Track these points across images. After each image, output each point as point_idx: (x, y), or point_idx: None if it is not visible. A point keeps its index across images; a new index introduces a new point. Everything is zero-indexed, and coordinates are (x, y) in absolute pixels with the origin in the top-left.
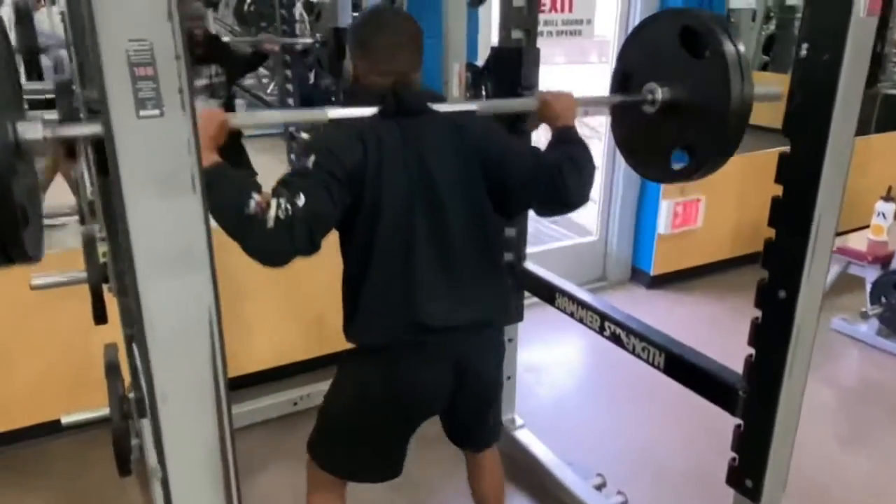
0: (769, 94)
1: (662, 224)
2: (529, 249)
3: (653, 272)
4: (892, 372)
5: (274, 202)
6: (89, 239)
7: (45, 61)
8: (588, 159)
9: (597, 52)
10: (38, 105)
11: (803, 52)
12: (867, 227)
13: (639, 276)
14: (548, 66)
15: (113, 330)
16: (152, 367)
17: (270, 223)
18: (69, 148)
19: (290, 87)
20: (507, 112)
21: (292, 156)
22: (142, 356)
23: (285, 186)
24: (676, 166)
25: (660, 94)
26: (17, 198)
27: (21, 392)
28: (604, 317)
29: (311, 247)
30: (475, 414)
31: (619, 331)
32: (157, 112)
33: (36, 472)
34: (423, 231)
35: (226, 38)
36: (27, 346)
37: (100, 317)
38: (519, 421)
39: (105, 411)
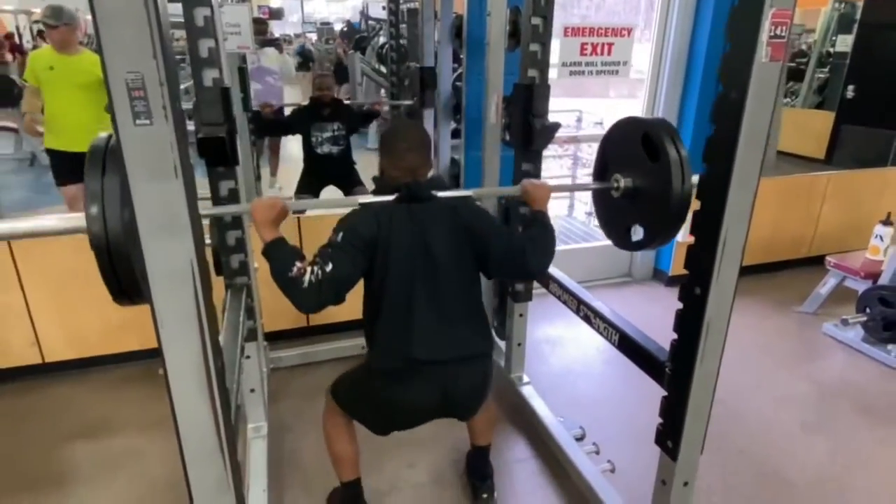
0: None
1: (681, 233)
2: (574, 245)
3: (671, 273)
4: (868, 374)
5: (309, 269)
6: (216, 217)
7: None
8: (548, 241)
9: (641, 89)
10: None
11: (719, 91)
12: None
13: (659, 275)
14: (600, 98)
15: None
16: (153, 301)
17: (305, 284)
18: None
19: None
20: (497, 195)
21: None
22: (146, 294)
23: (320, 256)
24: (636, 238)
25: (623, 182)
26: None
27: None
28: (580, 301)
29: (336, 300)
30: (460, 416)
31: (589, 313)
32: (147, 122)
33: None
34: (421, 285)
35: (347, 101)
36: None
37: (218, 270)
38: (525, 379)
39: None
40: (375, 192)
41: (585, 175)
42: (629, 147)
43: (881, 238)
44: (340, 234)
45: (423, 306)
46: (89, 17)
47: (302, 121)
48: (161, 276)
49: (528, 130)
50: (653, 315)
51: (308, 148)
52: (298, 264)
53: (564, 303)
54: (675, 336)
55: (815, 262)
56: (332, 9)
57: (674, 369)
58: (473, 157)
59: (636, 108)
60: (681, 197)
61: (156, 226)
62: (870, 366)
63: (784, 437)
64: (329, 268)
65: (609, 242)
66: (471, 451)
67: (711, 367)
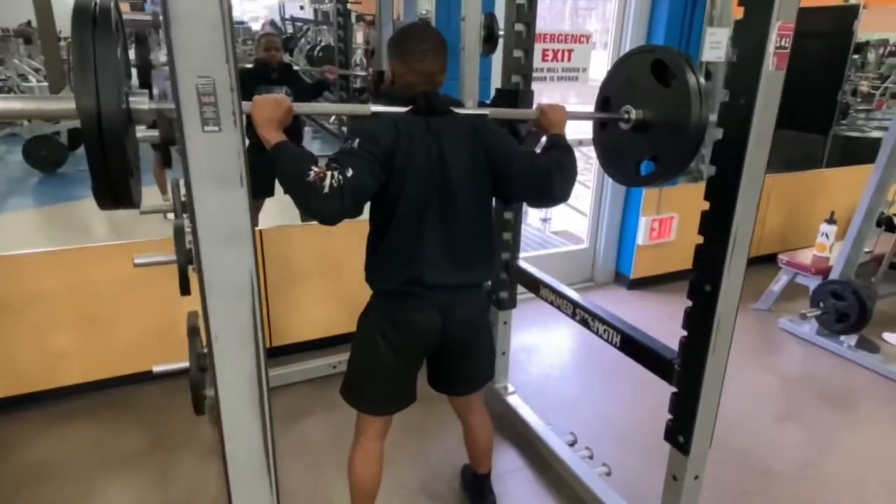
0: None
1: (641, 237)
2: (534, 253)
3: (632, 276)
4: (826, 364)
5: (329, 173)
6: (179, 229)
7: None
8: (572, 164)
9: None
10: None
11: (725, 98)
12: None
13: (621, 279)
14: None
15: (194, 301)
16: (209, 314)
17: (326, 189)
18: (166, 157)
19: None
20: (513, 118)
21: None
22: (202, 306)
23: (337, 162)
24: (643, 173)
25: (634, 114)
26: (128, 154)
27: (121, 347)
28: (575, 305)
29: (356, 210)
30: (458, 356)
31: (586, 316)
32: (216, 128)
33: (129, 411)
34: (435, 206)
35: (296, 67)
36: (129, 310)
37: (185, 289)
38: (511, 388)
39: (186, 364)
40: (387, 103)
41: None
42: (637, 78)
43: (826, 235)
44: (357, 141)
45: (435, 227)
46: None
47: (245, 84)
48: (219, 289)
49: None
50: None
51: None
52: (315, 168)
53: (558, 307)
54: (683, 333)
55: (763, 261)
56: (245, 7)
57: (684, 365)
58: None
59: None
60: (699, 122)
61: (217, 236)
62: (825, 357)
63: (760, 429)
64: (350, 173)
65: (570, 248)
66: (472, 475)
67: (721, 361)
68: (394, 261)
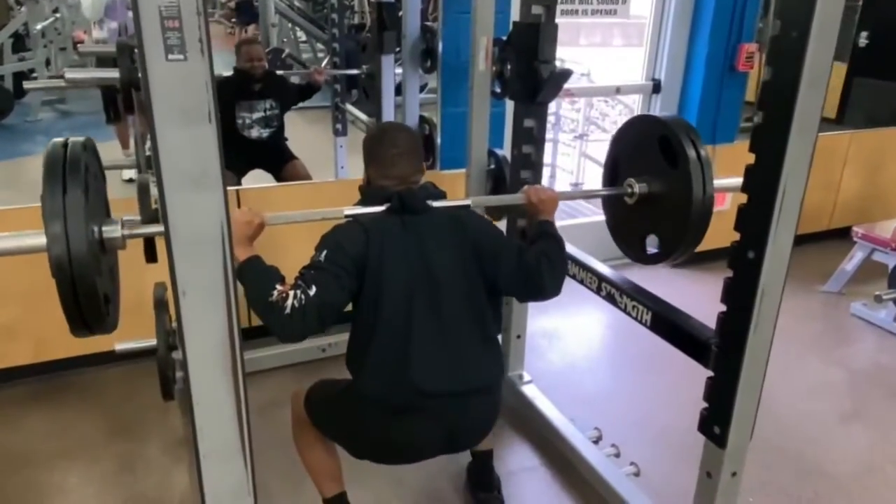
0: (730, 186)
1: None
2: (560, 223)
3: None
4: None
5: (291, 293)
6: (144, 186)
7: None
8: (561, 258)
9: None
10: (104, 62)
11: (776, 30)
12: None
13: None
14: (602, 48)
15: (162, 269)
16: (175, 267)
17: (288, 310)
18: (128, 103)
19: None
20: (498, 205)
21: (338, 125)
22: (168, 259)
23: (302, 279)
24: (651, 251)
25: (637, 188)
26: (101, 290)
27: None
28: (601, 278)
29: (321, 327)
30: (460, 451)
31: (613, 290)
32: (181, 56)
33: (89, 395)
34: (423, 308)
35: (280, 72)
36: None
37: (151, 256)
38: (527, 377)
39: (153, 342)
40: (362, 203)
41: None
42: (643, 149)
43: None
44: (324, 253)
45: (425, 331)
46: None
47: (224, 97)
48: (186, 238)
49: (533, 79)
50: None
51: (230, 129)
52: (279, 287)
53: (581, 281)
54: (722, 308)
55: (837, 236)
56: None
57: (721, 345)
58: (453, 113)
59: (639, 56)
60: (701, 209)
61: (183, 178)
62: None
63: (820, 429)
64: (313, 291)
65: (603, 217)
66: (471, 461)
67: (764, 340)
68: (384, 371)
